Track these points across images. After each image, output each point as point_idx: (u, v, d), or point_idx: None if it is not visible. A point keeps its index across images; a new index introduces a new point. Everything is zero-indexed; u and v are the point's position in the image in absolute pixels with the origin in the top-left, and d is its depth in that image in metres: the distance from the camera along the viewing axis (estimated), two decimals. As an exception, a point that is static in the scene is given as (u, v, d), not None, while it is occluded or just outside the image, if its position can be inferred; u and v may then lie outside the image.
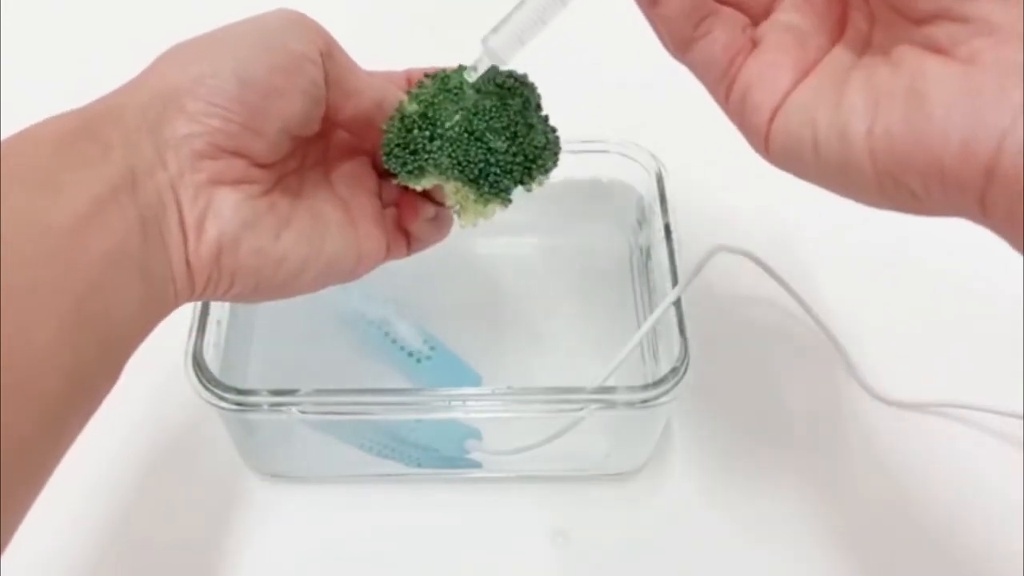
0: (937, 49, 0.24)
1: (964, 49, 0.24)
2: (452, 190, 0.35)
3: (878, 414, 0.50)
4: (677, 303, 0.43)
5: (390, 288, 0.50)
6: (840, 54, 0.28)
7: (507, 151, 0.35)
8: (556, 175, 0.38)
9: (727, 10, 0.30)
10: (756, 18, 0.30)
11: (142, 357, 0.33)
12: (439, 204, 0.37)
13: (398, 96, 0.36)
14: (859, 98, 0.26)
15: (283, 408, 0.41)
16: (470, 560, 0.45)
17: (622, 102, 0.63)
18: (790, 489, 0.48)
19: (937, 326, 0.53)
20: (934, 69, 0.24)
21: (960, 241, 0.56)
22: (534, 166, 0.36)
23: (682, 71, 0.33)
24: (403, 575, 0.45)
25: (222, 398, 0.41)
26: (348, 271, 0.36)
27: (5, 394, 0.25)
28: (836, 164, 0.26)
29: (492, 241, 0.53)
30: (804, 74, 0.28)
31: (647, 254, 0.50)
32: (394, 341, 0.50)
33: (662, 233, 0.46)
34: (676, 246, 0.45)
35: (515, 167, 0.35)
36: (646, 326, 0.45)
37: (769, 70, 0.28)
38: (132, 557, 0.45)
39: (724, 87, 0.30)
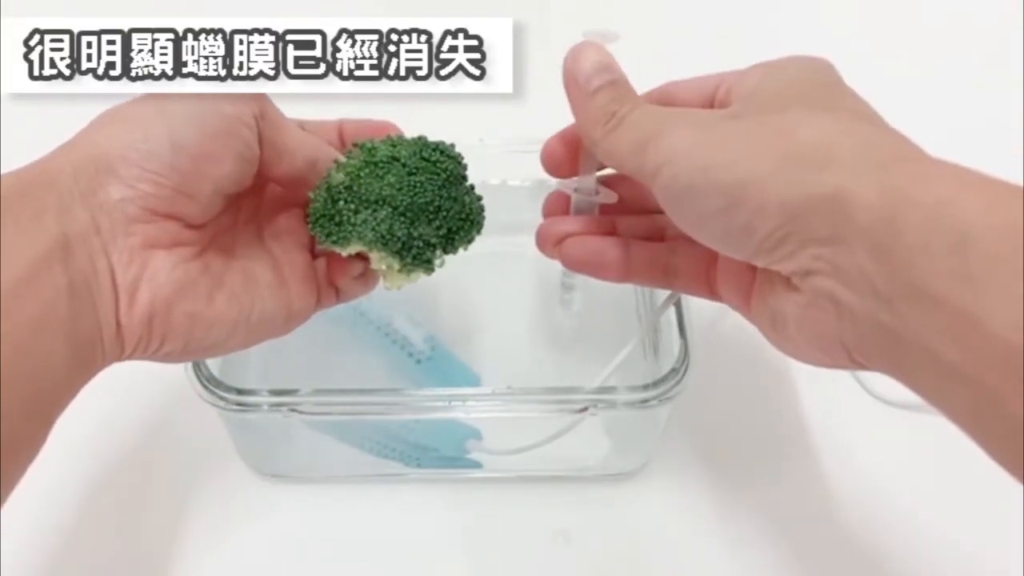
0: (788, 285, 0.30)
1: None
2: (377, 258, 0.36)
3: (878, 414, 0.50)
4: (677, 303, 0.43)
5: (390, 288, 0.50)
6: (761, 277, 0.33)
7: (430, 226, 0.36)
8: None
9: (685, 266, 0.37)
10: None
11: (142, 357, 0.34)
12: (367, 260, 0.37)
13: (331, 155, 0.36)
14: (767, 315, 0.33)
15: (283, 408, 0.41)
16: (470, 560, 0.45)
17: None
18: (790, 489, 0.48)
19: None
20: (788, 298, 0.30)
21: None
22: (457, 238, 0.37)
23: (682, 74, 0.33)
24: (403, 575, 0.45)
25: (222, 398, 0.41)
26: (278, 328, 0.36)
27: None
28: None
29: (492, 241, 0.53)
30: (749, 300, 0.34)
31: (647, 254, 0.50)
32: (394, 341, 0.50)
33: (662, 233, 0.46)
34: (676, 246, 0.45)
35: (438, 240, 0.36)
36: (646, 326, 0.45)
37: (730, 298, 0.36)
38: (131, 556, 0.45)
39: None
